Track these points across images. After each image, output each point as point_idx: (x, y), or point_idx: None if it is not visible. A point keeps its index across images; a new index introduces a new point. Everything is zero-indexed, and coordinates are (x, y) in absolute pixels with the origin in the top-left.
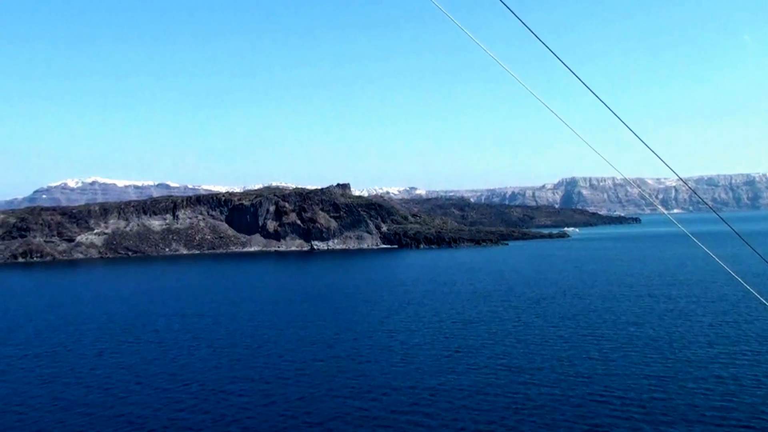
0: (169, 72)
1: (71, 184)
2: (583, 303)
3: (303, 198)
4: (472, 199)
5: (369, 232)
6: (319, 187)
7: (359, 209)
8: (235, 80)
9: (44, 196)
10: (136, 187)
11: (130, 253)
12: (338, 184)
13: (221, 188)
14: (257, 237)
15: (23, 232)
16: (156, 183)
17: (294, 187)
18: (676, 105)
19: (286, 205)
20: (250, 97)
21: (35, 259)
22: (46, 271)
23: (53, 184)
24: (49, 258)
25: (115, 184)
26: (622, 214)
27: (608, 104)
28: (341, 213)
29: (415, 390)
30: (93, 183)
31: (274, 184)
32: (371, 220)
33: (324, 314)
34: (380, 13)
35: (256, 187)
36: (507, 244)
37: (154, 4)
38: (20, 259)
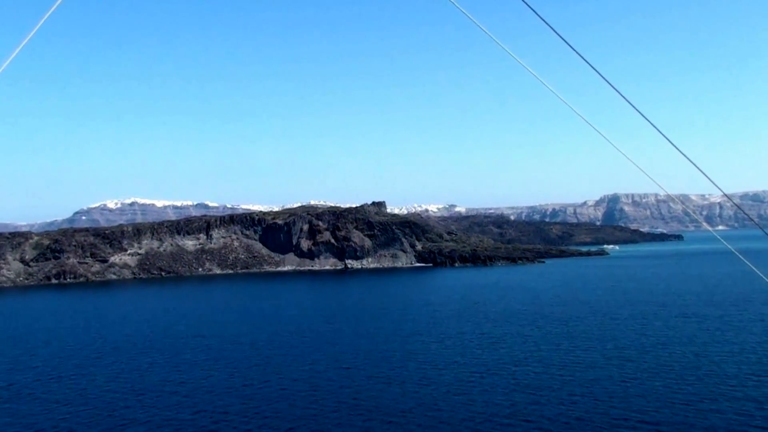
0: (207, 93)
1: (110, 205)
2: (613, 323)
3: (337, 216)
4: (512, 217)
5: (403, 251)
6: (354, 206)
7: (394, 227)
8: (273, 99)
9: (84, 217)
10: (175, 207)
11: (163, 274)
12: (373, 203)
13: (259, 208)
14: (291, 256)
15: (57, 254)
16: (194, 203)
17: (332, 205)
18: (719, 118)
19: (320, 223)
20: (289, 116)
21: (69, 280)
22: (77, 292)
23: (93, 206)
24: (82, 279)
25: (153, 205)
26: (665, 231)
27: (649, 118)
28: (375, 231)
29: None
30: (132, 204)
31: (312, 202)
32: (406, 239)
33: (345, 336)
34: (420, 30)
35: (295, 206)
36: (544, 262)
37: (189, 28)
38: (53, 281)
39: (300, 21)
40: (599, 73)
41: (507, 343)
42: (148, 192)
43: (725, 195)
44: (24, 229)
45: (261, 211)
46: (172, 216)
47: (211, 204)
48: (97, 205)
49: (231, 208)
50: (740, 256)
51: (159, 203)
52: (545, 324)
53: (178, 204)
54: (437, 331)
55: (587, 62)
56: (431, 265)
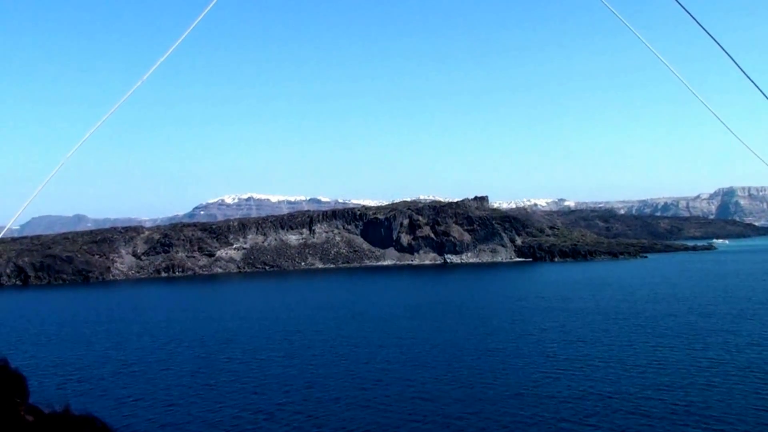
0: (320, 93)
1: (228, 200)
2: (707, 322)
3: (437, 211)
4: (622, 211)
5: (503, 245)
6: (454, 200)
7: (494, 222)
8: (384, 96)
9: (202, 212)
10: (289, 202)
11: (267, 268)
12: (475, 197)
13: (369, 202)
14: (391, 251)
15: (166, 248)
16: (308, 198)
17: (436, 199)
18: None
19: (420, 218)
20: (403, 113)
21: (177, 273)
22: (185, 284)
23: (211, 201)
24: (190, 272)
25: (268, 199)
26: None
27: None
28: (475, 226)
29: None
30: (248, 199)
31: (421, 197)
32: (506, 233)
33: (436, 330)
34: (533, 11)
35: (400, 201)
36: (646, 257)
37: (290, 32)
38: (163, 274)
39: (397, 20)
40: (724, 50)
41: (590, 341)
42: (263, 187)
43: None
44: (148, 224)
45: (363, 206)
46: (286, 210)
47: (323, 199)
48: (215, 200)
49: (342, 203)
50: None
51: (273, 198)
52: (639, 322)
53: (292, 199)
54: (520, 327)
55: (713, 38)
56: (531, 259)
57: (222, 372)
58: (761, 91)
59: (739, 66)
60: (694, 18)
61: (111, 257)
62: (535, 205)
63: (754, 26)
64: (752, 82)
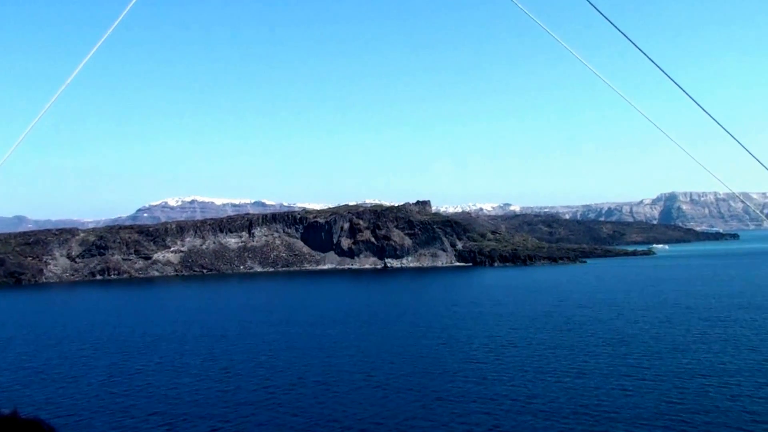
0: (264, 93)
1: (171, 202)
2: (634, 328)
3: (378, 215)
4: (567, 216)
5: (444, 250)
6: (394, 204)
7: (434, 226)
8: (330, 97)
9: (145, 214)
10: (234, 205)
11: (205, 271)
12: (417, 201)
13: (316, 206)
14: (331, 254)
15: (102, 251)
16: (252, 201)
17: (385, 204)
18: None
19: (360, 222)
20: (350, 115)
21: (113, 276)
22: (119, 288)
23: (154, 203)
24: (126, 275)
25: (213, 202)
26: (720, 230)
27: (711, 113)
28: (416, 230)
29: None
30: (192, 202)
31: (368, 201)
32: (446, 238)
33: (360, 338)
34: (471, 30)
35: (352, 204)
36: (585, 262)
37: (247, 28)
38: (98, 277)
39: (341, 21)
40: (659, 67)
41: (510, 347)
42: (208, 190)
43: None
44: (90, 226)
45: (304, 209)
46: (231, 213)
47: (268, 202)
48: (158, 202)
49: (287, 206)
50: None
51: (218, 201)
52: (559, 326)
53: (236, 202)
54: (447, 334)
55: (648, 57)
56: (471, 264)
57: (135, 379)
58: (698, 104)
59: (674, 80)
60: (624, 35)
61: (44, 259)
62: (481, 209)
63: (690, 39)
64: (687, 94)
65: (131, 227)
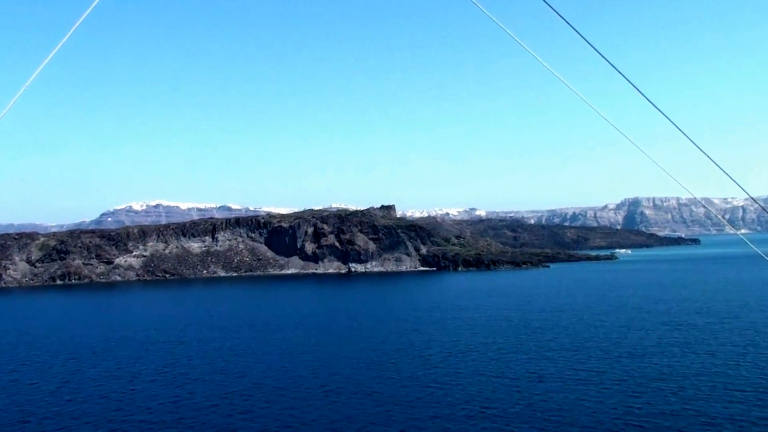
0: (228, 97)
1: (136, 207)
2: (592, 333)
3: (342, 220)
4: (532, 220)
5: (408, 254)
6: (359, 209)
7: (399, 231)
8: (297, 101)
9: (110, 219)
10: (199, 210)
11: (167, 276)
12: (381, 206)
13: (282, 210)
14: (295, 259)
15: (63, 255)
16: (218, 205)
17: (351, 208)
18: (742, 121)
19: (325, 227)
20: (317, 119)
21: (73, 281)
22: (80, 293)
23: (119, 207)
24: (87, 280)
25: (178, 207)
26: (682, 235)
27: (673, 120)
28: (380, 235)
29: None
30: (157, 206)
31: (334, 206)
32: (411, 242)
33: (319, 344)
34: (437, 33)
35: (317, 209)
36: (548, 267)
37: (206, 33)
38: (58, 282)
39: (312, 18)
40: (624, 76)
41: (466, 353)
42: (173, 194)
43: (750, 197)
44: (54, 230)
45: (268, 214)
46: (196, 217)
47: (234, 206)
48: (123, 206)
49: (253, 211)
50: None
51: (183, 205)
52: (516, 332)
53: (202, 206)
54: (406, 339)
55: (612, 65)
56: (435, 269)
57: (89, 384)
58: (661, 111)
59: (636, 88)
60: (588, 41)
61: (3, 264)
62: (447, 214)
63: (653, 45)
64: (649, 101)
65: (93, 231)
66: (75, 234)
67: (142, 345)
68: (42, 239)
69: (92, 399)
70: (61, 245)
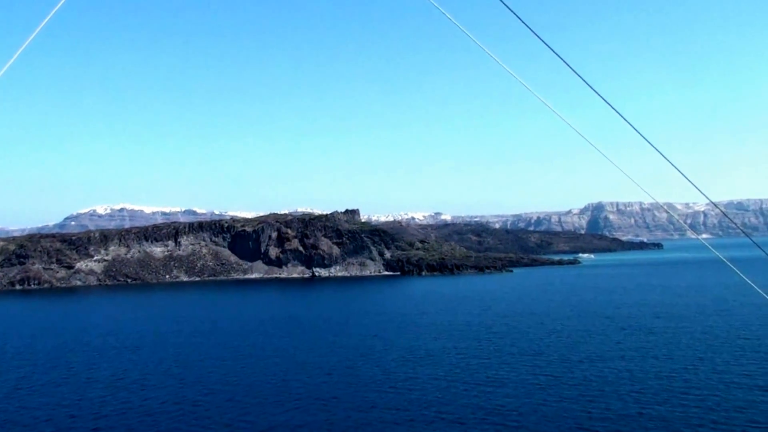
0: (195, 99)
1: (100, 210)
2: (552, 337)
3: (306, 224)
4: (497, 225)
5: (372, 259)
6: (324, 213)
7: (363, 235)
8: (262, 105)
9: (73, 222)
10: (164, 213)
11: (129, 280)
12: (345, 210)
13: (248, 214)
14: (259, 264)
15: (22, 260)
16: (183, 209)
17: (316, 212)
18: (703, 127)
19: (288, 231)
20: (283, 123)
21: (33, 286)
22: (39, 298)
23: (83, 211)
24: (47, 285)
25: (142, 211)
26: (645, 240)
27: (635, 126)
28: (344, 239)
29: None
30: (121, 210)
31: (299, 210)
32: (375, 247)
33: (278, 349)
34: (409, 35)
35: (281, 213)
36: (511, 271)
37: (176, 32)
38: (18, 287)
39: (293, 22)
40: (586, 83)
41: (425, 358)
42: (139, 198)
43: (711, 202)
44: (16, 233)
45: (232, 218)
46: (161, 221)
47: (199, 210)
48: (86, 210)
49: (219, 215)
50: (730, 265)
51: (148, 209)
52: (470, 337)
53: (167, 210)
54: (367, 344)
55: (576, 72)
56: (399, 273)
57: (42, 391)
58: (623, 117)
59: (599, 94)
60: (552, 49)
61: None
62: (412, 218)
63: (615, 51)
64: (611, 107)
65: (53, 236)
66: (35, 238)
67: (97, 351)
68: (1, 243)
69: (43, 407)
70: (21, 249)
